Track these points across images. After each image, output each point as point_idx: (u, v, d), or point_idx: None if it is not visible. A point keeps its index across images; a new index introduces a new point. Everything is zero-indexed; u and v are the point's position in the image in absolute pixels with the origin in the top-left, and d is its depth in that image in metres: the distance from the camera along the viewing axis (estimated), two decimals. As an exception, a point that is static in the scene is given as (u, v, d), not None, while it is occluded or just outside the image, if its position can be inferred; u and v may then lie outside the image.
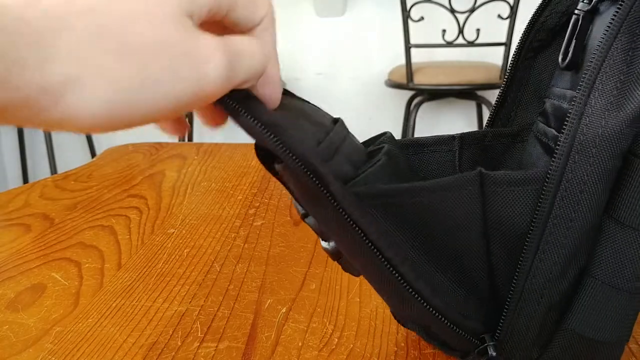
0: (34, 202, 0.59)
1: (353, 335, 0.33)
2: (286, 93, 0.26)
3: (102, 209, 0.56)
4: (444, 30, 1.53)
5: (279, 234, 0.49)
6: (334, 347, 0.32)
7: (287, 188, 0.25)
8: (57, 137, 2.00)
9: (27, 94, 0.14)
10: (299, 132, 0.22)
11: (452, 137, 0.30)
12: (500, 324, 0.25)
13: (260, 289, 0.39)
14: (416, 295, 0.24)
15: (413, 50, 1.54)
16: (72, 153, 2.06)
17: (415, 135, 1.72)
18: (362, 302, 0.37)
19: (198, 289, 0.39)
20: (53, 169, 1.71)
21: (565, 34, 0.26)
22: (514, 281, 0.24)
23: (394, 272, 0.23)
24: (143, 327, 0.35)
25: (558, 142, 0.22)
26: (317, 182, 0.21)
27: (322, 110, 0.27)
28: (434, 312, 0.24)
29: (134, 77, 0.16)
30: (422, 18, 1.55)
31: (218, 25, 0.20)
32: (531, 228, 0.23)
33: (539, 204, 0.23)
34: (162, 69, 0.16)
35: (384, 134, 0.29)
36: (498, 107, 0.32)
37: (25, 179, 2.03)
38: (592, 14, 0.25)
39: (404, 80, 1.57)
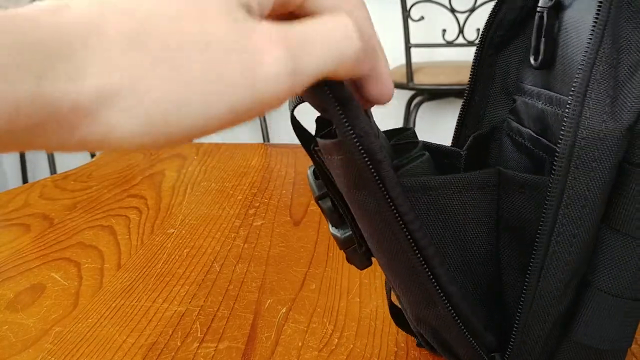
0: (34, 202, 0.59)
1: (353, 336, 0.33)
2: None
3: (102, 209, 0.56)
4: (444, 30, 1.53)
5: (278, 234, 0.49)
6: (334, 347, 0.32)
7: (318, 165, 0.24)
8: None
9: (58, 110, 0.12)
10: (360, 112, 0.20)
11: (459, 153, 0.29)
12: (511, 344, 0.25)
13: (260, 289, 0.39)
14: (444, 299, 0.23)
15: (413, 50, 1.53)
16: (71, 153, 2.06)
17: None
18: (362, 302, 0.37)
19: (198, 289, 0.39)
20: (53, 169, 1.71)
21: (525, 28, 0.26)
22: (521, 303, 0.24)
23: (428, 271, 0.22)
24: (143, 327, 0.35)
25: (556, 157, 0.22)
26: (370, 164, 0.20)
27: None
28: (456, 318, 0.23)
29: (176, 87, 0.13)
30: (422, 18, 1.55)
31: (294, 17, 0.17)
32: (534, 247, 0.23)
33: (540, 223, 0.22)
34: (210, 74, 0.14)
35: (407, 129, 0.28)
36: (466, 107, 0.32)
37: (25, 179, 2.03)
38: (556, 9, 0.24)
39: (404, 80, 1.57)
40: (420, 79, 1.55)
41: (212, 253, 0.45)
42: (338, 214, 0.25)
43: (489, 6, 1.51)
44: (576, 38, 0.23)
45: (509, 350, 0.25)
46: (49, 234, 0.50)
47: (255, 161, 0.74)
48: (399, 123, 1.94)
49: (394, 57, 1.80)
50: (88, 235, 0.50)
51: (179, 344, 0.33)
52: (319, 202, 0.25)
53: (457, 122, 0.32)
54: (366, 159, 0.20)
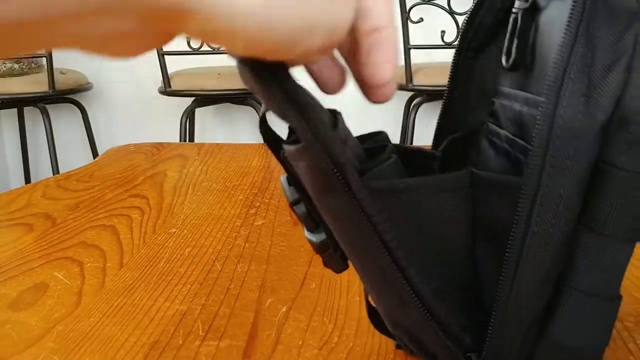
0: (37, 202, 0.59)
1: (353, 334, 0.33)
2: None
3: (104, 209, 0.56)
4: (443, 32, 1.53)
5: (279, 233, 0.49)
6: (334, 345, 0.32)
7: (288, 172, 0.24)
8: (59, 138, 2.01)
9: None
10: (321, 116, 0.21)
11: (433, 155, 0.29)
12: (487, 344, 0.24)
13: (260, 288, 0.39)
14: (417, 300, 0.23)
15: (412, 51, 1.54)
16: (74, 153, 2.07)
17: (415, 136, 1.71)
18: (362, 301, 0.37)
19: (199, 288, 0.40)
20: (55, 169, 1.72)
21: (504, 31, 0.25)
22: (496, 303, 0.23)
23: (399, 273, 0.22)
24: (145, 326, 0.35)
25: (529, 155, 0.21)
26: (334, 169, 0.21)
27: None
28: (430, 319, 0.23)
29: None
30: (421, 19, 1.55)
31: None
32: (508, 247, 0.22)
33: (514, 223, 0.22)
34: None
35: (379, 133, 0.28)
36: (445, 110, 0.31)
37: (28, 179, 2.03)
38: (532, 10, 0.24)
39: (403, 81, 1.57)
40: (420, 80, 1.55)
41: (213, 252, 0.46)
42: (312, 219, 0.25)
43: (490, 7, 1.50)
44: (551, 39, 0.23)
45: (484, 350, 0.24)
46: (51, 234, 0.50)
47: (256, 161, 0.74)
48: (398, 123, 1.94)
49: (395, 58, 1.79)
50: (90, 234, 0.50)
51: (180, 342, 0.33)
52: (293, 207, 0.25)
53: (437, 127, 0.32)
54: (330, 164, 0.20)
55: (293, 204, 0.25)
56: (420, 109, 1.68)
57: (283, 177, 0.25)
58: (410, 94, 1.76)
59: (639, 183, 0.22)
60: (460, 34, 0.30)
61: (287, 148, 0.22)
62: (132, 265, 0.43)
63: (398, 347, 0.31)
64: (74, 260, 0.45)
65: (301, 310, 0.36)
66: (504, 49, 0.26)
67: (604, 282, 0.23)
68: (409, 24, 1.52)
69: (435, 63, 1.67)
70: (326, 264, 0.26)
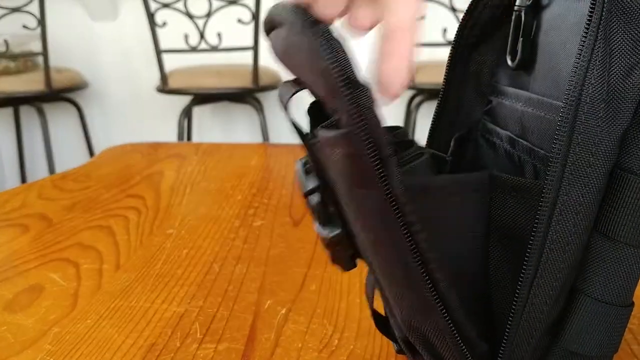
0: (32, 203, 0.58)
1: (353, 337, 0.33)
2: None
3: (101, 209, 0.56)
4: (444, 29, 1.53)
5: (278, 234, 0.49)
6: (334, 348, 0.32)
7: (314, 159, 0.23)
8: (56, 137, 2.00)
9: None
10: (373, 101, 0.19)
11: (445, 160, 0.29)
12: (500, 354, 0.24)
13: (259, 290, 0.39)
14: (441, 307, 0.22)
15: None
16: (70, 153, 2.06)
17: (416, 136, 1.71)
18: (362, 303, 0.37)
19: (197, 289, 0.39)
20: (51, 169, 1.71)
21: (501, 27, 0.25)
22: (512, 313, 0.23)
23: (427, 277, 0.21)
24: (142, 328, 0.34)
25: (549, 163, 0.21)
26: (377, 161, 0.19)
27: None
28: (452, 327, 0.22)
29: None
30: (422, 17, 1.55)
31: None
32: (527, 256, 0.22)
33: (533, 231, 0.22)
34: None
35: (398, 127, 0.27)
36: (441, 107, 0.31)
37: (24, 179, 2.02)
38: (534, 8, 0.23)
39: (403, 80, 1.57)
40: (421, 79, 1.55)
41: (211, 254, 0.45)
42: (326, 212, 0.24)
43: (489, 6, 1.50)
44: (557, 38, 0.23)
45: (499, 358, 0.24)
46: (47, 235, 0.50)
47: (255, 161, 0.73)
48: (399, 122, 1.94)
49: (394, 56, 1.79)
50: (87, 235, 0.49)
51: (178, 344, 0.33)
52: (307, 197, 0.24)
53: (432, 124, 0.31)
54: (374, 155, 0.19)
55: (308, 194, 0.24)
56: (421, 107, 1.68)
57: (300, 162, 0.24)
58: (411, 92, 1.75)
59: None
60: (457, 29, 0.29)
61: (324, 134, 0.21)
62: (129, 267, 0.43)
63: (399, 352, 0.31)
64: (70, 261, 0.44)
65: (301, 313, 0.36)
66: (508, 48, 0.25)
67: (617, 289, 0.23)
68: (408, 22, 1.52)
69: (437, 61, 1.66)
70: (334, 260, 0.25)
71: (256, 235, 0.49)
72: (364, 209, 0.22)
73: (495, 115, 0.27)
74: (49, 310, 0.37)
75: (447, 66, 0.30)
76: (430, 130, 0.32)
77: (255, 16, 1.53)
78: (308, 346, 0.32)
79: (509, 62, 0.25)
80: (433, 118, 0.32)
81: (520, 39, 0.24)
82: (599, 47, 0.20)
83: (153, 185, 0.63)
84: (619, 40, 0.20)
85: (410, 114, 1.68)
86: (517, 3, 0.24)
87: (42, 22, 1.54)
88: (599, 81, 0.20)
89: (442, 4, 1.49)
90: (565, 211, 0.21)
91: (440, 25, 1.57)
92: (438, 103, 0.31)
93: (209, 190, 0.61)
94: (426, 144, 0.32)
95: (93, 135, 1.99)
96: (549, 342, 0.24)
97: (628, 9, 0.20)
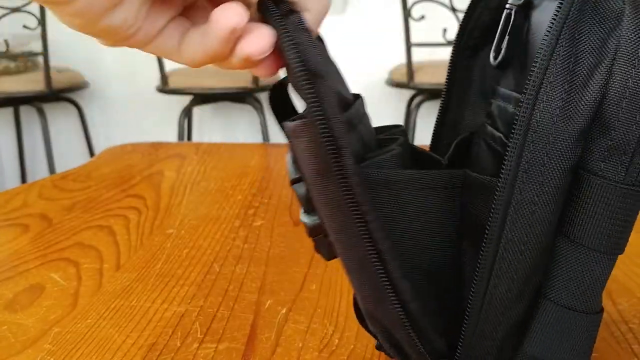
0: (33, 202, 0.58)
1: (354, 337, 0.33)
2: (322, 42, 0.25)
3: (101, 209, 0.56)
4: (445, 29, 1.53)
5: (278, 234, 0.49)
6: (335, 348, 0.32)
7: (291, 148, 0.23)
8: (56, 137, 2.00)
9: None
10: (331, 94, 0.20)
11: (440, 163, 0.28)
12: (458, 352, 0.24)
13: (260, 290, 0.39)
14: (393, 296, 0.22)
15: (414, 49, 1.53)
16: (70, 153, 2.06)
17: (417, 136, 1.71)
18: (363, 302, 0.37)
19: (197, 289, 0.39)
20: (51, 169, 1.71)
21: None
22: (468, 310, 0.23)
23: (380, 265, 0.21)
24: (142, 327, 0.34)
25: (504, 159, 0.21)
26: (333, 149, 0.20)
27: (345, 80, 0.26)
28: (404, 318, 0.22)
29: None
30: (423, 17, 1.55)
31: None
32: (481, 254, 0.22)
33: (487, 229, 0.21)
34: None
35: (398, 126, 0.27)
36: (443, 112, 0.31)
37: (24, 179, 2.02)
38: (525, 8, 0.23)
39: (404, 80, 1.57)
40: (421, 79, 1.55)
41: (211, 253, 0.45)
42: (310, 201, 0.24)
43: (489, 6, 1.50)
44: (539, 37, 0.22)
45: (456, 357, 0.24)
46: (47, 234, 0.50)
47: (255, 161, 0.73)
48: (399, 122, 1.93)
49: (395, 56, 1.80)
50: (87, 235, 0.49)
51: (178, 344, 0.33)
52: (294, 186, 0.24)
53: (435, 126, 0.31)
54: (329, 143, 0.20)
55: (293, 182, 0.24)
56: (421, 108, 1.68)
57: (289, 154, 0.25)
58: (411, 92, 1.75)
59: (618, 192, 0.21)
60: (457, 32, 0.29)
61: (288, 124, 0.21)
62: (129, 267, 0.43)
63: (378, 347, 0.31)
64: (70, 261, 0.44)
65: (301, 312, 0.36)
66: (494, 46, 0.25)
67: (582, 295, 0.22)
68: (410, 21, 1.52)
69: (437, 61, 1.66)
70: (316, 249, 0.26)
71: (256, 235, 0.49)
72: (324, 198, 0.22)
73: (494, 118, 0.27)
74: (50, 309, 0.37)
75: (448, 67, 0.30)
76: (433, 131, 0.31)
77: (256, 16, 1.53)
78: (308, 346, 0.32)
79: (492, 60, 0.25)
80: (436, 121, 0.31)
81: (507, 37, 0.24)
82: (562, 45, 0.20)
83: (153, 185, 0.63)
84: (587, 40, 0.20)
85: (410, 114, 1.68)
86: (509, 1, 0.24)
87: (42, 22, 1.54)
88: (559, 79, 0.20)
89: (442, 4, 1.49)
90: (520, 210, 0.21)
91: (440, 25, 1.57)
92: (441, 106, 0.31)
93: (209, 190, 0.61)
94: (430, 147, 0.31)
95: (93, 135, 1.99)
96: (514, 346, 0.24)
97: (597, 7, 0.20)
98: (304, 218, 0.25)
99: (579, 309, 0.22)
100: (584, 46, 0.20)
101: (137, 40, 0.20)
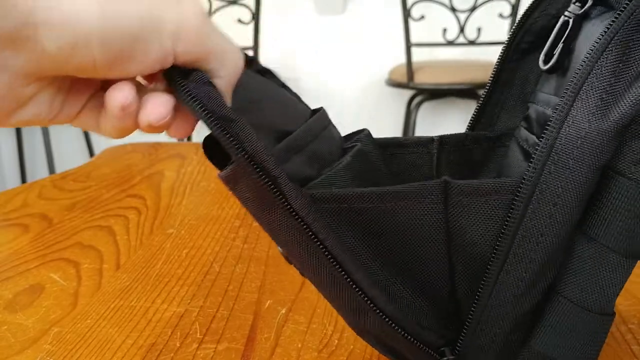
0: (32, 202, 0.58)
1: (353, 337, 0.33)
2: (267, 74, 0.25)
3: (101, 209, 0.56)
4: (444, 29, 1.53)
5: (278, 234, 0.49)
6: (334, 348, 0.32)
7: (233, 192, 0.24)
8: (56, 137, 2.00)
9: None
10: (261, 129, 0.21)
11: (431, 139, 0.29)
12: (461, 339, 0.24)
13: (259, 290, 0.39)
14: (371, 304, 0.22)
15: (414, 49, 1.53)
16: (70, 153, 2.06)
17: (416, 135, 1.71)
18: (362, 302, 0.37)
19: (197, 289, 0.39)
20: (51, 169, 1.71)
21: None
22: (478, 295, 0.23)
23: (348, 279, 0.22)
24: (142, 328, 0.34)
25: (535, 151, 0.21)
26: (268, 182, 0.20)
27: (299, 102, 0.26)
28: (389, 321, 0.23)
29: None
30: (422, 17, 1.55)
31: None
32: (499, 240, 0.22)
33: (509, 215, 0.21)
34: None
35: (362, 130, 0.28)
36: (481, 109, 0.31)
37: (24, 179, 2.02)
38: (582, 18, 0.24)
39: (404, 80, 1.57)
40: (421, 79, 1.55)
41: (211, 253, 0.45)
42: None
43: (490, 5, 1.51)
44: (587, 48, 0.22)
45: (459, 343, 0.24)
46: (47, 234, 0.50)
47: (255, 161, 0.73)
48: (399, 122, 1.94)
49: (395, 56, 1.80)
50: (87, 235, 0.49)
51: (178, 344, 0.33)
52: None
53: (469, 124, 0.32)
54: (263, 177, 0.20)
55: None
56: (421, 108, 1.68)
57: None
58: (411, 92, 1.75)
59: None
60: (511, 32, 0.29)
61: (220, 175, 0.22)
62: (129, 267, 0.43)
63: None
64: (70, 261, 0.44)
65: (301, 312, 0.36)
66: (545, 51, 0.25)
67: (596, 295, 0.22)
68: (410, 21, 1.52)
69: (437, 61, 1.66)
70: (300, 272, 0.26)
71: (256, 235, 0.49)
72: (276, 230, 0.22)
73: (531, 121, 0.27)
74: (49, 310, 0.37)
75: (495, 67, 0.30)
76: (468, 127, 0.32)
77: (255, 16, 1.53)
78: (308, 346, 0.32)
79: (541, 65, 0.25)
80: (471, 118, 0.32)
81: (561, 44, 0.24)
82: (612, 51, 0.20)
83: (153, 185, 0.63)
84: (638, 54, 0.20)
85: (410, 114, 1.68)
86: (569, 9, 0.24)
87: (42, 22, 1.53)
88: (603, 82, 0.20)
89: (442, 4, 1.49)
90: (543, 200, 0.21)
91: (440, 25, 1.57)
92: (480, 102, 0.31)
93: (209, 190, 0.61)
94: None
95: (93, 136, 1.99)
96: (522, 340, 0.24)
97: None
98: (279, 247, 0.25)
99: (592, 309, 0.22)
100: (636, 55, 0.20)
101: (58, 121, 0.21)
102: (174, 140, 1.85)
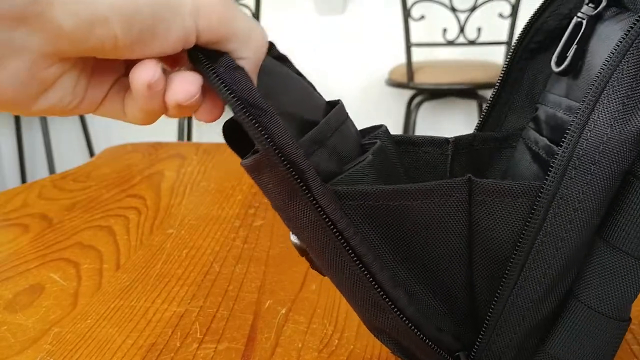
0: (33, 202, 0.58)
1: (353, 337, 0.33)
2: (284, 61, 0.25)
3: (101, 209, 0.56)
4: (444, 29, 1.53)
5: (278, 234, 0.49)
6: (334, 348, 0.32)
7: (256, 180, 0.23)
8: (56, 137, 2.00)
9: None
10: (283, 118, 0.20)
11: (446, 141, 0.29)
12: (478, 343, 0.24)
13: (259, 290, 0.39)
14: (391, 304, 0.22)
15: (414, 49, 1.53)
16: (70, 153, 2.06)
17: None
18: (363, 302, 0.37)
19: (197, 289, 0.39)
20: (51, 169, 1.71)
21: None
22: (495, 299, 0.23)
23: (370, 279, 0.22)
24: (142, 328, 0.34)
25: (555, 155, 0.21)
26: (296, 176, 0.20)
27: (316, 93, 0.26)
28: (408, 323, 0.23)
29: None
30: (422, 17, 1.55)
31: None
32: (518, 244, 0.22)
33: (529, 219, 0.21)
34: None
35: (380, 126, 0.27)
36: (490, 109, 0.31)
37: (24, 179, 2.02)
38: (596, 19, 0.23)
39: (404, 80, 1.57)
40: (421, 79, 1.55)
41: (211, 253, 0.45)
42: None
43: (490, 5, 1.51)
44: (604, 50, 0.23)
45: (475, 349, 0.24)
46: (47, 234, 0.50)
47: (255, 161, 0.73)
48: (399, 122, 1.94)
49: (395, 56, 1.80)
50: (87, 235, 0.49)
51: (178, 344, 0.33)
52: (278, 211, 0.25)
53: (478, 124, 0.31)
54: (290, 170, 0.20)
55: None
56: (421, 108, 1.68)
57: None
58: (411, 92, 1.75)
59: None
60: (521, 32, 0.29)
61: (245, 163, 0.22)
62: (129, 267, 0.43)
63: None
64: (70, 261, 0.44)
65: (301, 312, 0.36)
66: (557, 53, 0.25)
67: (613, 301, 0.22)
68: (410, 21, 1.52)
69: (437, 61, 1.66)
70: (312, 267, 0.26)
71: (256, 235, 0.49)
72: (299, 223, 0.22)
73: (539, 123, 0.27)
74: (49, 310, 0.37)
75: (503, 67, 0.30)
76: (476, 127, 0.32)
77: (255, 16, 1.53)
78: (308, 346, 0.32)
79: (554, 67, 0.25)
80: (481, 118, 0.32)
81: (574, 46, 0.24)
82: (632, 54, 0.20)
83: (153, 185, 0.63)
84: None
85: (410, 114, 1.68)
86: (582, 10, 0.24)
87: (42, 22, 1.53)
88: (623, 85, 0.20)
89: (442, 4, 1.49)
90: (563, 205, 0.21)
91: (440, 25, 1.57)
92: (489, 102, 0.31)
93: (209, 190, 0.61)
94: None
95: (93, 135, 1.99)
96: (537, 344, 0.24)
97: None
98: (293, 238, 0.25)
99: (609, 314, 0.22)
100: None
101: (83, 109, 0.20)
102: (173, 140, 1.85)
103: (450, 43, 1.53)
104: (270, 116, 0.20)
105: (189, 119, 1.79)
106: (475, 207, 0.22)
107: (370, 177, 0.23)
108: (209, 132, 2.05)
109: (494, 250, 0.23)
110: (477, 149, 0.30)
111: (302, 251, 0.25)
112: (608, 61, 0.20)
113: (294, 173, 0.20)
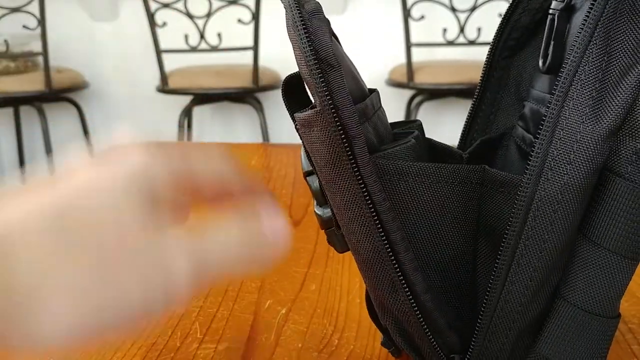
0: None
1: (353, 337, 0.33)
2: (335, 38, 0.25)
3: (101, 209, 0.56)
4: (444, 29, 1.53)
5: (278, 234, 0.49)
6: (334, 348, 0.32)
7: (302, 140, 0.24)
8: (56, 137, 2.00)
9: None
10: (344, 82, 0.20)
11: (460, 156, 0.28)
12: (471, 348, 0.24)
13: (259, 290, 0.39)
14: (406, 287, 0.22)
15: (414, 49, 1.53)
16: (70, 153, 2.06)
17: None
18: (363, 303, 0.37)
19: (197, 289, 0.39)
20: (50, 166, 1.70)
21: (542, 32, 0.25)
22: (484, 306, 0.23)
23: (392, 256, 0.22)
24: (142, 328, 0.34)
25: (529, 157, 0.21)
26: (345, 139, 0.20)
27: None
28: (416, 309, 0.23)
29: None
30: (422, 17, 1.55)
31: None
32: (501, 250, 0.22)
33: (508, 225, 0.21)
34: None
35: (414, 121, 0.28)
36: (475, 110, 0.31)
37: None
38: (568, 11, 0.23)
39: (404, 79, 1.57)
40: (421, 79, 1.55)
41: (211, 253, 0.45)
42: (323, 193, 0.24)
43: (490, 5, 1.51)
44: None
45: (468, 354, 0.24)
46: (47, 234, 0.50)
47: (255, 161, 0.73)
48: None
49: (395, 56, 1.80)
50: (87, 235, 0.49)
51: (178, 344, 0.33)
52: (307, 178, 0.25)
53: (465, 125, 0.31)
54: (341, 132, 0.20)
55: (307, 175, 0.25)
56: (421, 108, 1.68)
57: (303, 148, 0.25)
58: (411, 92, 1.75)
59: None
60: (496, 31, 0.29)
61: (299, 115, 0.22)
62: (129, 266, 0.43)
63: (383, 344, 0.30)
64: (70, 261, 0.44)
65: (301, 313, 0.36)
66: (541, 52, 0.25)
67: (600, 298, 0.22)
68: (410, 21, 1.52)
69: (437, 61, 1.66)
70: (329, 241, 0.26)
71: (256, 235, 0.48)
72: (335, 187, 0.22)
73: (526, 120, 0.27)
74: (49, 310, 0.37)
75: (484, 67, 0.30)
76: (463, 130, 0.31)
77: (255, 16, 1.53)
78: (308, 346, 0.32)
79: (540, 66, 0.25)
80: (467, 119, 0.31)
81: (552, 43, 0.24)
82: (595, 44, 0.20)
83: (153, 185, 0.63)
84: (622, 40, 0.20)
85: (410, 114, 1.68)
86: (552, 6, 0.24)
87: (42, 22, 1.54)
88: (590, 78, 0.20)
89: (442, 4, 1.49)
90: (543, 207, 0.21)
91: (440, 25, 1.57)
92: (472, 104, 0.31)
93: (209, 190, 0.61)
94: (458, 145, 0.31)
95: (93, 135, 1.98)
96: (528, 345, 0.24)
97: (638, 9, 0.20)
98: (317, 210, 0.25)
99: (596, 312, 0.22)
100: (618, 45, 0.20)
101: None
102: (173, 140, 1.85)
103: (450, 43, 1.53)
104: (336, 76, 0.20)
105: (189, 119, 1.79)
106: (485, 195, 0.23)
107: (410, 159, 0.24)
108: (209, 132, 2.05)
109: (495, 240, 0.23)
110: (478, 153, 0.30)
111: (324, 223, 0.25)
112: (571, 52, 0.20)
113: (343, 137, 0.20)
